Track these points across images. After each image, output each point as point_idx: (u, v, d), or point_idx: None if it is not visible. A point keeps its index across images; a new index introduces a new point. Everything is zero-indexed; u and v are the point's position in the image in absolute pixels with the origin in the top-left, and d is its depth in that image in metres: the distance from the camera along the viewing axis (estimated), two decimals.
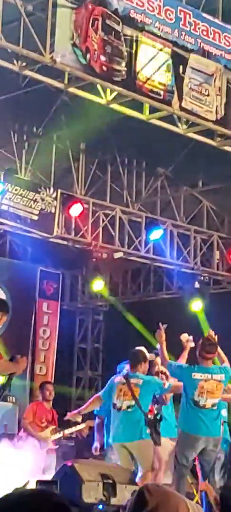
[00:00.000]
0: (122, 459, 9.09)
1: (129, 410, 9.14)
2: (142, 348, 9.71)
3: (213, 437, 8.94)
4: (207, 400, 8.94)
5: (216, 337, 9.27)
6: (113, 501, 7.88)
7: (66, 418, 10.29)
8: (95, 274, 16.22)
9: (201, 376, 8.99)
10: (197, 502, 10.10)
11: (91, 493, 7.85)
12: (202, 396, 8.93)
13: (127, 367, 9.93)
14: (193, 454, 8.96)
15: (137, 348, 9.73)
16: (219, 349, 9.23)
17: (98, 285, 16.45)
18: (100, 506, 7.78)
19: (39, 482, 5.14)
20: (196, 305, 16.03)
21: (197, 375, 9.00)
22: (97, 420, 10.69)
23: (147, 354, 9.65)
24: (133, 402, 9.14)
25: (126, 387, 9.19)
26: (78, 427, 11.61)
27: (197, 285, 15.93)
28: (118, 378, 9.39)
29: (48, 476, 10.16)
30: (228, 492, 5.54)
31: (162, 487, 2.60)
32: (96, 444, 10.36)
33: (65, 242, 14.50)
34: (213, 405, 8.97)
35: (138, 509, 2.45)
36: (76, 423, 11.99)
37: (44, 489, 2.23)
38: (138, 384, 9.23)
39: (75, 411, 10.12)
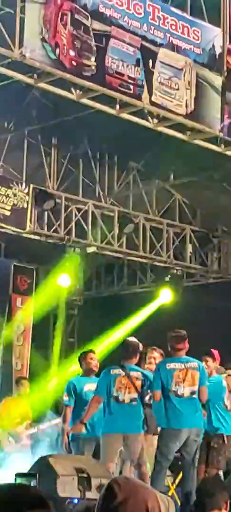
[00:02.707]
0: (111, 451, 9.03)
1: (133, 403, 9.12)
2: (135, 339, 9.63)
3: (195, 427, 8.99)
4: (185, 388, 8.99)
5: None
6: (88, 495, 7.90)
7: (69, 432, 9.53)
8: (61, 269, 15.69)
9: (175, 365, 9.05)
10: (172, 495, 10.14)
11: (66, 488, 7.85)
12: (179, 385, 8.98)
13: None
14: (177, 445, 8.95)
15: (131, 339, 9.65)
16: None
17: (64, 280, 15.95)
18: (75, 500, 7.80)
19: (18, 475, 5.13)
20: (165, 297, 16.07)
21: (171, 365, 9.07)
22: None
23: (140, 345, 9.63)
24: (136, 395, 9.14)
25: (127, 380, 9.15)
26: (53, 422, 11.61)
27: (167, 278, 15.99)
28: (115, 371, 9.24)
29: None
30: (202, 486, 5.55)
31: (131, 480, 2.61)
32: (65, 439, 9.79)
33: (38, 237, 14.49)
34: (192, 393, 8.99)
35: (107, 503, 2.46)
36: (50, 418, 11.98)
37: (21, 483, 2.25)
38: (138, 377, 9.23)
39: (77, 424, 9.47)
